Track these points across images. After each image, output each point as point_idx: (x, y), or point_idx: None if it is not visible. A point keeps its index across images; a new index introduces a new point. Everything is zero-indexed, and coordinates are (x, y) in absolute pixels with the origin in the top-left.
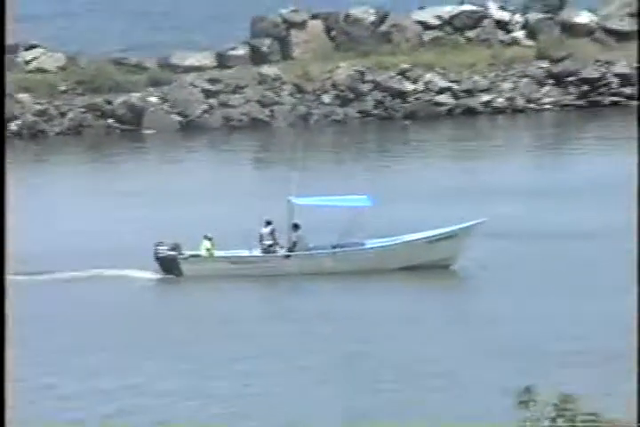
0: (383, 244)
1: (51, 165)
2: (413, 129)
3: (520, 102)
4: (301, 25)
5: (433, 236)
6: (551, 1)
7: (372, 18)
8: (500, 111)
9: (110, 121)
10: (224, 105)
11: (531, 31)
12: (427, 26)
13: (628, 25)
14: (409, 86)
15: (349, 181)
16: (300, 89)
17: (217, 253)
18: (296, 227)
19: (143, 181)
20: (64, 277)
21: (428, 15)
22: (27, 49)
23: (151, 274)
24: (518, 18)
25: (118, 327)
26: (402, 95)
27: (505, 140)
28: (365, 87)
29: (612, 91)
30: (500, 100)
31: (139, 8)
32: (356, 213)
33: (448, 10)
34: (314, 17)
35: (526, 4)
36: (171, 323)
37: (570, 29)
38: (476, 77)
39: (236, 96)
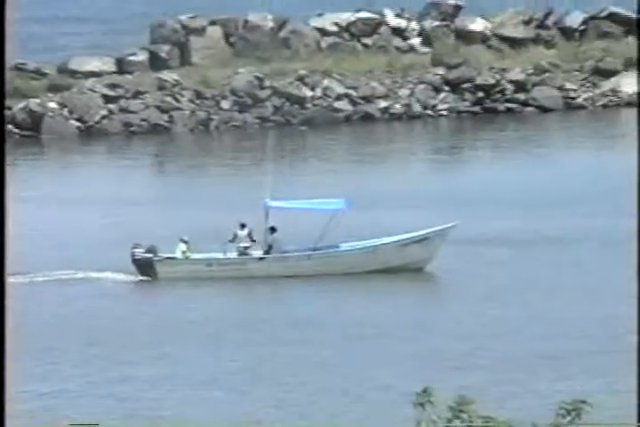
0: (357, 246)
1: None
2: (312, 135)
3: (417, 109)
4: (200, 31)
5: (406, 239)
6: (446, 8)
7: (271, 24)
8: (397, 117)
9: (10, 127)
10: (124, 110)
11: (426, 38)
12: (325, 32)
13: (521, 32)
14: (307, 92)
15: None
16: (199, 95)
17: (193, 255)
18: (272, 230)
19: (40, 186)
20: (40, 279)
21: (326, 22)
22: None
23: (127, 276)
24: (414, 25)
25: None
26: (300, 101)
27: (402, 146)
28: (264, 93)
29: (507, 97)
30: (397, 106)
31: (38, 12)
32: (332, 215)
33: (345, 17)
34: (212, 23)
35: (422, 11)
36: (131, 325)
37: (465, 37)
38: (374, 84)
39: (136, 102)
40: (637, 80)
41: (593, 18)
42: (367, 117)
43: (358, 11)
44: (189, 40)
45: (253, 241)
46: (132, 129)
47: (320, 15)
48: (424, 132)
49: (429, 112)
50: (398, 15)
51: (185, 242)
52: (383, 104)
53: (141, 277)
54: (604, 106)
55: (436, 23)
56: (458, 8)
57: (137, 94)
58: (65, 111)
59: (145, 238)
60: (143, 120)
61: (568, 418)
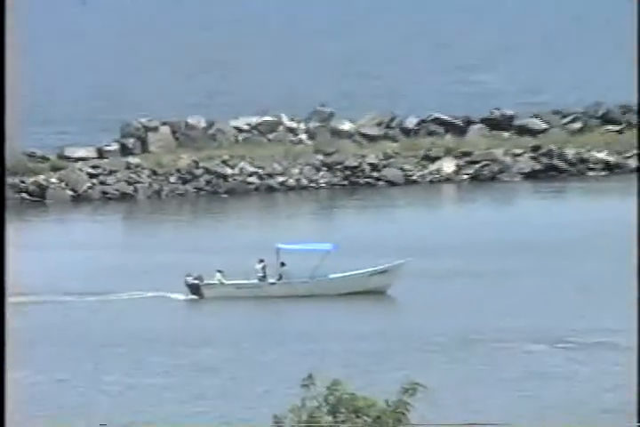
0: (340, 276)
1: None
2: (231, 200)
3: (304, 182)
4: (155, 129)
5: (372, 271)
6: (324, 114)
7: (203, 124)
8: (290, 189)
9: (24, 195)
10: (102, 183)
11: (311, 135)
12: (240, 130)
13: (375, 131)
14: (229, 171)
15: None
16: (154, 173)
17: (226, 281)
18: (283, 264)
19: (46, 234)
20: (124, 297)
21: (242, 123)
22: None
23: (182, 295)
24: (302, 126)
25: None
26: (224, 177)
27: (294, 208)
28: (199, 171)
29: (365, 175)
30: (291, 180)
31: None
32: (323, 254)
33: (255, 119)
34: (164, 124)
35: (307, 116)
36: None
37: (337, 133)
38: (275, 165)
39: (110, 177)
40: (637, 103)
41: (423, 121)
42: (270, 189)
43: (263, 115)
44: (147, 135)
45: (264, 273)
46: (107, 196)
47: (236, 118)
48: (309, 199)
49: (313, 185)
50: (291, 119)
51: (220, 272)
52: (281, 179)
53: (192, 296)
54: (431, 181)
55: (317, 124)
56: (332, 114)
57: (111, 172)
58: (62, 184)
59: (148, 269)
60: (116, 190)
61: (407, 395)
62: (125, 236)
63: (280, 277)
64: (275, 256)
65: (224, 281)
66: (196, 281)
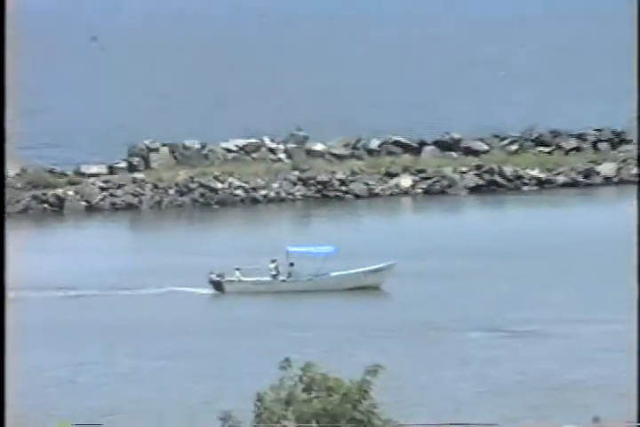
0: (339, 274)
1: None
2: (222, 211)
3: (283, 195)
4: (156, 150)
5: (367, 270)
6: (299, 137)
7: (197, 145)
8: (271, 200)
9: (45, 205)
10: (112, 196)
11: (288, 154)
12: (229, 150)
13: (343, 151)
14: (219, 185)
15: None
16: (156, 186)
17: (244, 278)
18: (291, 265)
19: (65, 240)
20: (157, 291)
21: (230, 144)
22: None
23: (207, 290)
24: (281, 146)
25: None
26: (215, 190)
27: (275, 217)
28: (194, 185)
29: (335, 189)
30: (272, 193)
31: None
32: (325, 256)
33: (241, 141)
34: (164, 145)
35: (285, 138)
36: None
37: (311, 153)
38: (258, 180)
39: (119, 190)
40: (637, 104)
41: (384, 143)
42: (254, 200)
43: (248, 138)
44: (150, 155)
45: (277, 271)
46: (116, 206)
47: (226, 141)
48: (287, 209)
49: (290, 197)
50: (272, 140)
51: (238, 270)
52: (263, 192)
53: (215, 291)
54: (391, 194)
55: (294, 145)
56: (306, 137)
57: (119, 186)
58: (78, 196)
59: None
60: (123, 201)
61: (369, 375)
62: (133, 240)
63: (289, 275)
64: (284, 257)
65: (242, 278)
66: (218, 278)
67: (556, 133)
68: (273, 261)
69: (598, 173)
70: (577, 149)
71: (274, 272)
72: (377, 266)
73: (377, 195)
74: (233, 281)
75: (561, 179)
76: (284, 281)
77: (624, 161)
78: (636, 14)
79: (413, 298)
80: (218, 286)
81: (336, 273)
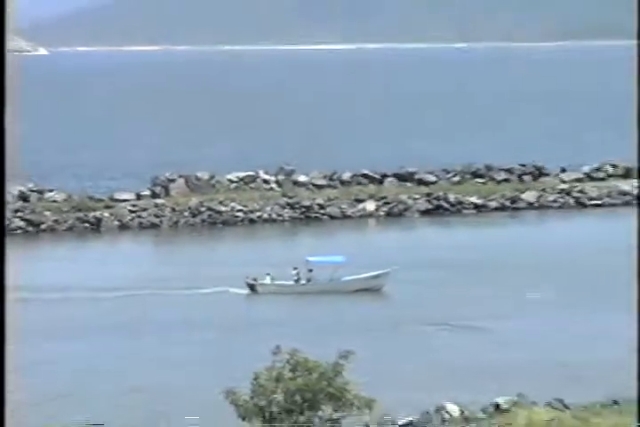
0: (349, 278)
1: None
2: (226, 230)
3: (274, 216)
4: (174, 180)
5: (370, 276)
6: (287, 170)
7: (207, 177)
8: (265, 221)
9: (86, 224)
10: (139, 217)
11: (279, 184)
12: (232, 181)
13: (322, 182)
14: (223, 208)
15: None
16: (173, 209)
17: (274, 281)
18: (310, 271)
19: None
20: (205, 291)
21: (233, 176)
22: (44, 192)
23: (243, 291)
24: (273, 178)
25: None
26: (220, 213)
27: (267, 234)
28: (203, 209)
29: (315, 212)
30: (265, 215)
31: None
32: (337, 264)
33: (242, 174)
34: (180, 177)
35: (276, 171)
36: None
37: (296, 183)
38: (254, 204)
39: (144, 213)
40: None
41: (355, 175)
42: (251, 221)
43: (246, 171)
44: (169, 184)
45: (298, 276)
46: (142, 225)
47: (229, 173)
48: (278, 228)
49: (280, 218)
50: (266, 172)
51: (269, 275)
52: (258, 214)
53: (250, 292)
54: (359, 216)
55: (283, 177)
56: (293, 171)
57: (144, 209)
58: (112, 217)
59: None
60: (147, 221)
61: (341, 359)
62: (156, 253)
63: (309, 280)
64: (304, 265)
65: (272, 282)
66: (252, 281)
67: (489, 168)
68: (295, 269)
69: (522, 200)
70: (506, 180)
71: (296, 277)
72: (378, 272)
73: (348, 216)
74: (264, 284)
75: (493, 204)
76: (304, 284)
77: (543, 190)
78: (636, 16)
79: (403, 298)
80: (252, 287)
81: (346, 278)
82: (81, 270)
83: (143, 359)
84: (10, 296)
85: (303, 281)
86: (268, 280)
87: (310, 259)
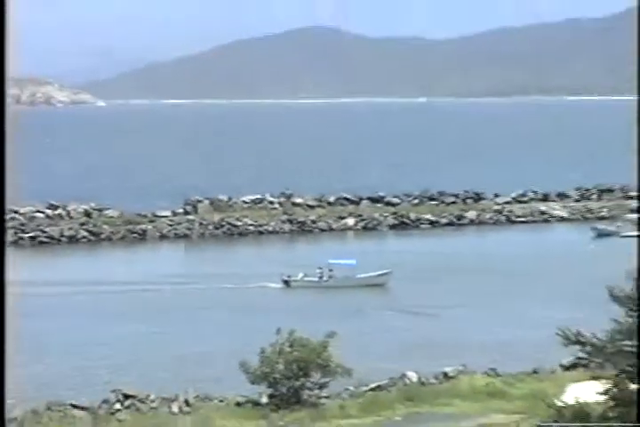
0: (361, 276)
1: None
2: (240, 238)
3: (277, 229)
4: (201, 201)
5: (377, 273)
6: (287, 194)
7: (226, 199)
8: (270, 233)
9: (134, 235)
10: (175, 229)
11: (281, 204)
12: (245, 202)
13: (314, 202)
14: (238, 223)
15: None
16: (200, 224)
17: (304, 278)
18: (331, 270)
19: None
20: (250, 286)
21: (246, 198)
22: (102, 209)
23: (279, 285)
24: (275, 200)
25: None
26: (236, 226)
27: (273, 242)
28: (223, 223)
29: (309, 226)
30: (270, 228)
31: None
32: (351, 265)
33: (252, 196)
34: (206, 199)
35: (279, 195)
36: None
37: (294, 204)
38: (262, 220)
39: (179, 226)
40: (637, 102)
41: (338, 198)
42: (259, 232)
43: (255, 195)
44: (198, 204)
45: (322, 275)
46: (177, 236)
47: (244, 195)
48: (280, 238)
49: (282, 231)
50: (271, 196)
51: (302, 273)
52: (265, 228)
53: (284, 286)
54: (342, 230)
55: (284, 199)
56: (291, 194)
57: (179, 223)
58: (154, 229)
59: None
60: (181, 233)
61: (328, 337)
62: (188, 257)
63: (330, 277)
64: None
65: (301, 278)
66: (287, 278)
67: (441, 193)
68: (319, 268)
69: (466, 217)
70: (454, 202)
71: (319, 275)
72: (382, 271)
73: (333, 229)
74: (296, 280)
75: (444, 220)
76: (326, 280)
77: (481, 210)
78: (636, 15)
79: (399, 290)
80: (286, 283)
81: (360, 275)
82: (139, 269)
83: (222, 328)
84: (91, 289)
85: (325, 278)
86: (298, 277)
87: (331, 261)
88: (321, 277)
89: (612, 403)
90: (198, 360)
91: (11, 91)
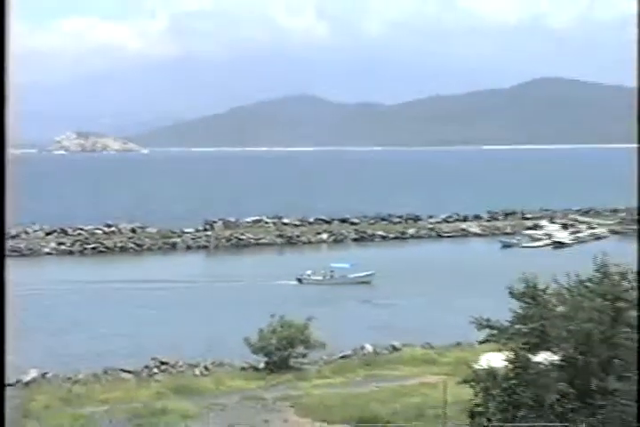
0: (353, 275)
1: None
2: (244, 249)
3: (271, 242)
4: (217, 222)
5: (364, 274)
6: (278, 216)
7: (234, 220)
8: (266, 244)
9: (167, 246)
10: (196, 242)
11: (274, 224)
12: (247, 222)
13: (298, 222)
14: (243, 237)
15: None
16: (216, 238)
17: (311, 277)
18: (332, 271)
19: (176, 263)
20: (273, 283)
21: (248, 219)
22: (145, 227)
23: (294, 282)
24: (270, 220)
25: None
26: (241, 240)
27: (270, 252)
28: (233, 237)
29: (294, 239)
30: (266, 241)
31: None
32: (347, 268)
33: (252, 218)
34: (220, 220)
35: (272, 216)
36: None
37: (284, 223)
38: (260, 235)
39: (199, 239)
40: (637, 96)
41: (316, 219)
42: (259, 244)
43: (255, 216)
44: (214, 224)
45: (325, 275)
46: (199, 247)
47: (247, 217)
48: (273, 249)
49: (274, 243)
50: (267, 217)
51: (311, 271)
52: (262, 241)
53: (297, 283)
54: (317, 242)
55: (276, 220)
56: (281, 216)
57: (200, 238)
58: (182, 242)
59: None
60: (202, 245)
61: (308, 320)
62: (208, 262)
63: (331, 276)
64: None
65: (311, 277)
66: (300, 277)
67: (390, 215)
68: (323, 270)
69: (407, 233)
70: (399, 222)
71: (323, 274)
72: (368, 272)
73: (312, 242)
74: (306, 278)
75: (392, 235)
76: (329, 279)
77: (419, 227)
78: (636, 17)
79: (380, 286)
80: (299, 280)
81: (353, 275)
82: (176, 270)
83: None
84: (144, 286)
85: (328, 277)
86: (307, 276)
87: (333, 265)
88: (324, 277)
89: (511, 366)
90: (229, 335)
91: (78, 141)
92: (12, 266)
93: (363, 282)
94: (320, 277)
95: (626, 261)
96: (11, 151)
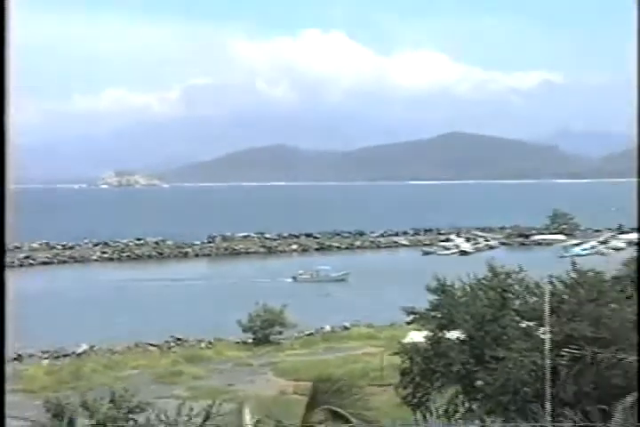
0: (335, 274)
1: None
2: (240, 257)
3: (258, 251)
4: (216, 237)
5: (342, 273)
6: (262, 232)
7: (229, 235)
8: (254, 253)
9: (181, 254)
10: (203, 251)
11: (259, 238)
12: (239, 237)
13: (276, 236)
14: (237, 247)
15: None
16: (217, 248)
17: (303, 276)
18: (317, 271)
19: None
20: (276, 280)
21: (239, 235)
22: (165, 241)
23: (290, 280)
24: (256, 236)
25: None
26: (235, 249)
27: (262, 259)
28: (229, 248)
29: (275, 249)
30: (253, 250)
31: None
32: (329, 269)
33: (242, 234)
34: (218, 235)
35: (257, 232)
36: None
37: (267, 238)
38: (250, 246)
39: (205, 249)
40: (638, 103)
41: (290, 234)
42: (248, 253)
43: (244, 233)
44: (214, 238)
45: (312, 275)
46: (205, 254)
47: (239, 234)
48: (260, 255)
49: (259, 251)
50: (254, 233)
51: (305, 271)
52: (251, 249)
53: (293, 281)
54: (291, 251)
55: (260, 235)
56: (264, 232)
57: (205, 248)
58: (192, 251)
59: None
60: (207, 253)
61: (283, 307)
62: (212, 266)
63: (317, 275)
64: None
65: (303, 276)
66: (295, 276)
67: (342, 231)
68: (311, 270)
69: (355, 245)
70: (347, 237)
71: (311, 274)
72: (345, 272)
73: (286, 251)
74: (300, 277)
75: (344, 246)
76: (315, 277)
77: (363, 241)
78: (636, 13)
79: (355, 284)
80: (294, 278)
81: (332, 274)
82: (189, 271)
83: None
84: (158, 284)
85: (315, 276)
86: (300, 275)
87: (319, 267)
88: (312, 276)
89: (428, 341)
90: (232, 319)
91: (114, 179)
92: (68, 269)
93: (341, 279)
94: (309, 276)
95: (510, 263)
96: (71, 186)
